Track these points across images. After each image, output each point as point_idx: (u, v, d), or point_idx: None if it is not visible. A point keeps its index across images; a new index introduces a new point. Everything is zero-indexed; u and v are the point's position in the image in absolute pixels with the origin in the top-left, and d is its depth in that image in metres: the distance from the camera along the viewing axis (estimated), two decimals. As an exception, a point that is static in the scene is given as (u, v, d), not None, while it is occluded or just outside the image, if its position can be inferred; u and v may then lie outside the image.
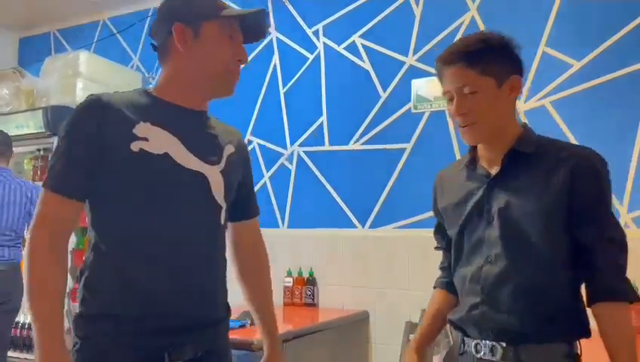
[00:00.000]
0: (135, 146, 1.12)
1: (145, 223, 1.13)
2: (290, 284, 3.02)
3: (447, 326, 1.36)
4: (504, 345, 1.15)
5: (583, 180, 1.16)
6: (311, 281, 3.01)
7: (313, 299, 2.98)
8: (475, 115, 1.17)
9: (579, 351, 1.18)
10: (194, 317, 1.15)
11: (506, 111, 1.21)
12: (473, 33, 1.26)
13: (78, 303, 1.17)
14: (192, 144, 1.18)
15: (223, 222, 1.24)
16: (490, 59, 1.17)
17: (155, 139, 1.14)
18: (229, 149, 1.27)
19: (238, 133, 1.37)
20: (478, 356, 1.19)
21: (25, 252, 1.11)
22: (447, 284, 1.37)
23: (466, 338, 1.24)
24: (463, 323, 1.24)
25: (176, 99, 1.22)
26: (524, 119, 2.67)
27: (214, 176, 1.20)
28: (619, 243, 1.15)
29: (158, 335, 1.11)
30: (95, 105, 1.14)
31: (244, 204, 1.38)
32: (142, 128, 1.14)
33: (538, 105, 2.66)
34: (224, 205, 1.23)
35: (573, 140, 2.53)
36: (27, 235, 1.15)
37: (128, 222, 1.14)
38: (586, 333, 1.17)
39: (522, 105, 2.68)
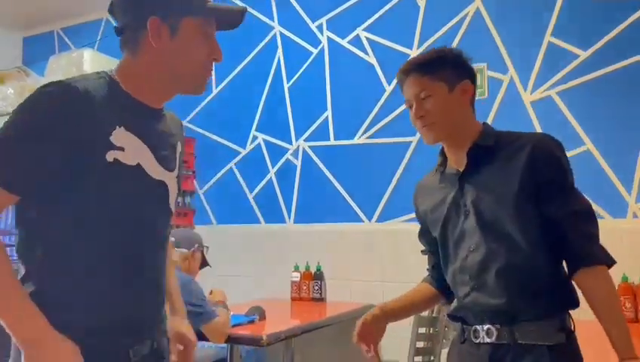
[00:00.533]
0: (110, 156, 1.04)
1: (109, 234, 1.07)
2: (298, 279, 3.02)
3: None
4: (498, 326, 1.23)
5: (541, 161, 1.25)
6: (318, 276, 3.01)
7: (321, 294, 2.98)
8: (431, 116, 1.32)
9: (572, 326, 1.24)
10: (151, 318, 1.16)
11: (461, 112, 1.34)
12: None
13: None
14: (157, 151, 1.14)
15: (169, 229, 1.24)
16: (441, 67, 1.33)
17: (129, 149, 1.08)
18: (179, 148, 1.24)
19: (178, 120, 1.30)
20: (477, 341, 1.27)
21: None
22: (430, 279, 1.48)
23: (465, 326, 1.31)
24: (459, 312, 1.32)
25: (141, 95, 1.13)
26: (530, 111, 2.65)
27: (172, 183, 1.18)
28: (585, 214, 1.24)
29: (122, 337, 1.09)
30: (74, 99, 1.01)
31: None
32: (119, 135, 1.06)
33: (544, 95, 2.64)
34: (174, 210, 1.22)
35: (580, 130, 2.52)
36: None
37: (90, 234, 1.05)
38: (574, 304, 1.25)
39: (528, 97, 2.66)
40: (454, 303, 1.36)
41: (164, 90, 1.16)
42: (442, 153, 1.42)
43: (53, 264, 1.05)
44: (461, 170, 1.34)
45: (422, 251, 1.52)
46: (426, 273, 1.51)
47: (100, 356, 1.05)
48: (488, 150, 1.31)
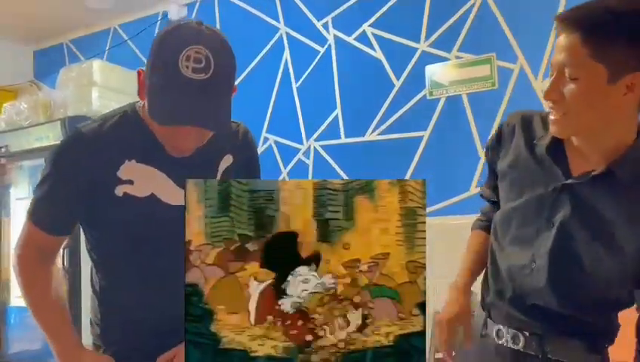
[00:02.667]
0: (119, 191, 1.11)
1: (132, 261, 1.16)
2: (315, 279, 3.02)
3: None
4: (527, 334, 1.09)
5: None
6: (335, 275, 3.00)
7: (339, 293, 2.98)
8: (568, 106, 0.94)
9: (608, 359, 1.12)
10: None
11: (615, 115, 0.94)
12: None
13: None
14: (180, 176, 1.11)
15: None
16: (613, 41, 0.89)
17: (140, 181, 1.12)
18: (226, 161, 1.22)
19: (241, 131, 1.27)
20: (500, 342, 1.13)
21: (16, 276, 1.17)
22: (486, 228, 1.24)
23: (488, 321, 1.18)
24: (488, 305, 1.19)
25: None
26: (542, 100, 2.61)
27: None
28: None
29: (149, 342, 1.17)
30: (79, 145, 1.14)
31: None
32: (127, 169, 1.11)
33: (556, 83, 2.60)
34: None
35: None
36: (13, 261, 1.21)
37: (116, 260, 1.18)
38: (611, 341, 1.11)
39: (539, 85, 2.62)
40: (486, 290, 1.19)
41: None
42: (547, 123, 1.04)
43: (95, 277, 1.22)
44: (574, 172, 1.01)
45: (481, 195, 1.29)
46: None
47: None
48: (621, 182, 0.95)
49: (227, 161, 1.23)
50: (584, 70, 0.91)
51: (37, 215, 1.15)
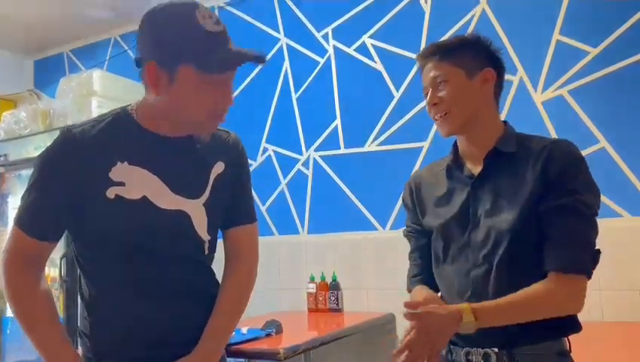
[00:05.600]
0: (111, 193, 1.08)
1: (126, 264, 1.13)
2: (314, 290, 3.00)
3: None
4: (496, 350, 1.12)
5: (554, 162, 1.13)
6: (334, 286, 2.99)
7: (338, 304, 2.96)
8: (445, 104, 1.21)
9: (569, 347, 1.16)
10: (178, 346, 1.16)
11: (479, 103, 1.22)
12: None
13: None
14: (173, 180, 1.13)
15: (207, 252, 1.22)
16: (462, 52, 1.22)
17: (132, 183, 1.09)
18: (217, 169, 1.21)
19: (232, 140, 1.27)
20: None
21: (4, 284, 1.12)
22: (425, 281, 1.34)
23: (452, 347, 1.19)
24: None
25: (156, 127, 1.14)
26: (541, 111, 2.62)
27: (197, 210, 1.16)
28: (577, 211, 1.10)
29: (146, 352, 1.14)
30: (69, 147, 1.10)
31: (231, 212, 1.29)
32: (118, 171, 1.09)
33: (556, 95, 2.60)
34: (207, 238, 1.19)
35: (594, 128, 2.48)
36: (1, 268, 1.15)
37: (107, 266, 1.14)
38: (576, 328, 1.15)
39: (539, 97, 2.63)
40: None
41: (176, 125, 1.15)
42: (455, 149, 1.30)
43: (84, 286, 1.18)
44: (475, 173, 1.23)
45: (410, 253, 1.42)
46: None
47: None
48: (508, 156, 1.19)
49: (219, 167, 1.22)
50: (449, 74, 1.21)
51: (24, 221, 1.11)
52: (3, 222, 3.50)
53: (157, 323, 1.14)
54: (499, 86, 1.27)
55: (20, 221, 1.12)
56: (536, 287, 1.09)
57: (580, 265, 1.09)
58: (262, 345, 2.12)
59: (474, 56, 1.23)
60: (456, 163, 1.28)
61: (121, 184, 1.09)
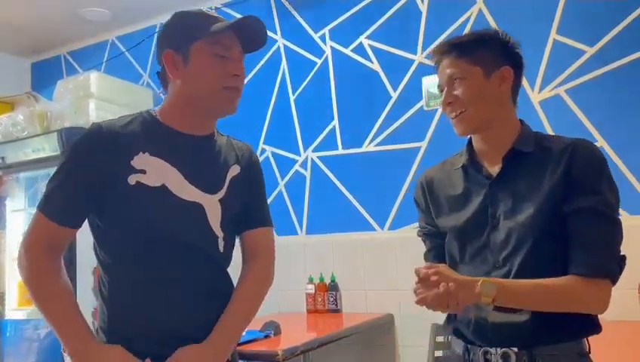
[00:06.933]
0: (132, 180, 1.14)
1: (141, 255, 1.16)
2: (313, 291, 3.00)
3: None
4: (516, 350, 1.10)
5: (579, 162, 1.12)
6: (333, 287, 2.98)
7: (336, 305, 2.95)
8: (461, 102, 1.18)
9: (589, 349, 1.14)
10: (195, 330, 1.18)
11: (496, 102, 1.20)
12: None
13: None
14: (191, 173, 1.19)
15: (222, 250, 1.24)
16: (479, 50, 1.19)
17: (152, 171, 1.16)
18: (233, 171, 1.27)
19: (247, 150, 1.35)
20: None
21: (23, 267, 1.16)
22: None
23: (470, 346, 1.17)
24: (469, 329, 1.18)
25: (178, 125, 1.22)
26: (539, 110, 2.62)
27: (212, 205, 1.21)
28: (603, 216, 1.10)
29: (158, 348, 1.15)
30: (96, 136, 1.17)
31: (246, 216, 1.32)
32: (140, 160, 1.16)
33: (553, 94, 2.61)
34: (221, 234, 1.22)
35: (591, 127, 2.48)
36: (20, 252, 1.17)
37: (126, 254, 1.17)
38: (597, 329, 1.14)
39: (536, 96, 2.63)
40: (459, 316, 1.19)
41: (197, 116, 1.24)
42: (469, 147, 1.27)
43: (103, 279, 1.20)
44: (493, 173, 1.20)
45: (427, 252, 1.38)
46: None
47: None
48: (527, 156, 1.17)
49: (235, 170, 1.27)
50: (466, 72, 1.18)
51: (48, 205, 1.15)
52: (1, 224, 3.49)
53: (170, 319, 1.16)
54: (517, 84, 1.24)
55: (45, 206, 1.16)
56: (564, 282, 1.07)
57: (607, 271, 1.08)
58: (260, 347, 2.12)
59: (492, 53, 1.20)
60: (473, 163, 1.25)
61: (142, 172, 1.15)
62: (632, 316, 2.19)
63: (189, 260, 1.18)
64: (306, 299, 3.00)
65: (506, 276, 1.12)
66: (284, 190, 3.28)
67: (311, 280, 3.03)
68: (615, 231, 1.11)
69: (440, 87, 1.24)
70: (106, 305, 1.20)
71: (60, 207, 1.16)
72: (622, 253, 1.11)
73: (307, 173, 3.23)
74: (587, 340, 1.15)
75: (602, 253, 1.08)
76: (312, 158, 3.22)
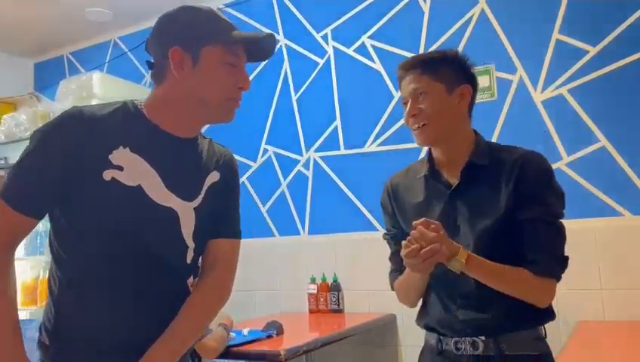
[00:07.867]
0: (107, 175, 1.06)
1: (106, 255, 1.09)
2: (315, 291, 3.00)
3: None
4: (483, 338, 1.24)
5: (528, 175, 1.25)
6: (335, 287, 2.99)
7: (339, 305, 2.95)
8: (424, 115, 1.28)
9: (544, 334, 1.29)
10: (148, 343, 1.12)
11: (456, 117, 1.31)
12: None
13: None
14: (169, 177, 1.12)
15: (189, 261, 1.17)
16: (442, 68, 1.29)
17: (130, 169, 1.08)
18: (212, 178, 1.20)
19: (227, 156, 1.28)
20: (459, 353, 1.26)
21: None
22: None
23: (442, 338, 1.30)
24: (440, 324, 1.31)
25: (165, 124, 1.15)
26: (541, 110, 2.62)
27: (187, 213, 1.14)
28: (549, 223, 1.24)
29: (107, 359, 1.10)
30: (75, 121, 1.07)
31: (216, 225, 1.24)
32: (119, 155, 1.08)
33: (555, 94, 2.60)
34: (192, 245, 1.16)
35: (594, 127, 2.48)
36: None
37: (84, 252, 1.09)
38: (552, 316, 1.29)
39: (539, 96, 2.63)
40: (431, 313, 1.33)
41: (189, 119, 1.17)
42: (430, 158, 1.37)
43: (54, 275, 1.13)
44: (452, 182, 1.32)
45: (392, 254, 1.50)
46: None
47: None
48: (482, 169, 1.29)
49: (214, 177, 1.21)
50: (430, 87, 1.28)
51: (12, 191, 1.06)
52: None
53: (120, 329, 1.10)
54: (472, 102, 1.35)
55: (5, 193, 1.06)
56: (525, 273, 1.22)
57: (552, 272, 1.23)
58: (263, 347, 2.12)
59: (453, 72, 1.30)
60: (433, 172, 1.36)
61: (120, 168, 1.08)
62: (635, 316, 2.19)
63: (150, 269, 1.11)
64: (308, 299, 3.00)
65: (468, 275, 1.24)
66: (286, 190, 3.29)
67: (313, 280, 3.03)
68: (558, 236, 1.25)
69: (403, 100, 1.34)
70: (54, 305, 1.12)
71: (23, 192, 1.06)
72: (565, 255, 1.26)
73: (309, 174, 3.23)
74: (544, 328, 1.30)
75: (549, 257, 1.23)
76: (314, 158, 3.22)
